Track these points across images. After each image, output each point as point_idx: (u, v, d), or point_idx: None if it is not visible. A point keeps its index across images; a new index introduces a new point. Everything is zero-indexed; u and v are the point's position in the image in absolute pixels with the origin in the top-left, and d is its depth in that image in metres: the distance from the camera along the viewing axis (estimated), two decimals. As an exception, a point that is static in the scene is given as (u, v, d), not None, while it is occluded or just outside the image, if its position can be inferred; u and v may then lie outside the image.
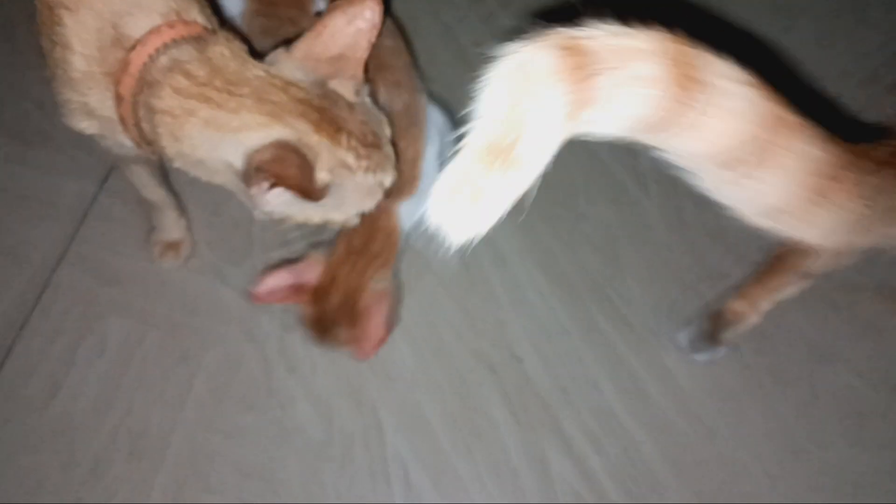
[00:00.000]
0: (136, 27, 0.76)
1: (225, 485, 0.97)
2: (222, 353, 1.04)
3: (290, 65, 0.77)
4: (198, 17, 0.79)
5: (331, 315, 0.94)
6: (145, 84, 0.75)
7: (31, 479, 0.97)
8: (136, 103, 0.76)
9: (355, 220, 0.83)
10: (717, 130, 0.49)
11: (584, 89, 0.46)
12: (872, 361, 1.04)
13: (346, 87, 0.78)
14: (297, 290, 0.95)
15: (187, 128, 0.74)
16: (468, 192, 0.46)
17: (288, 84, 0.75)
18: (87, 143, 0.86)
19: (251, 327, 1.06)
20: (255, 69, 0.75)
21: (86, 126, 0.83)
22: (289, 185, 0.71)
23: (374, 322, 0.94)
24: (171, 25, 0.76)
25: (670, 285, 1.07)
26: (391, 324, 0.97)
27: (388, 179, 0.81)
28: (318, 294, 0.94)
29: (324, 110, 0.75)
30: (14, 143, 1.17)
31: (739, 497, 0.98)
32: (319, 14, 0.87)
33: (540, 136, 0.46)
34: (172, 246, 1.10)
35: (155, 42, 0.75)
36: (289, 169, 0.71)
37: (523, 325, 1.06)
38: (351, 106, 0.77)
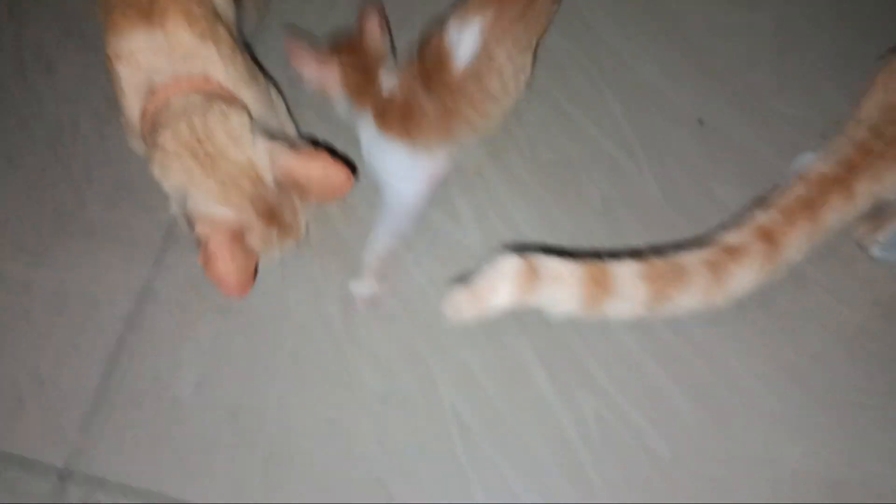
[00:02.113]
0: (160, 78, 0.96)
1: (310, 438, 1.15)
2: (299, 335, 1.21)
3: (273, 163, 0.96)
4: (222, 77, 0.96)
5: None
6: (157, 121, 0.94)
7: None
8: (147, 134, 0.95)
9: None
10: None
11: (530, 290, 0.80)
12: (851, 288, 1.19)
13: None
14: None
15: (171, 165, 0.92)
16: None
17: (258, 179, 0.93)
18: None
19: (319, 311, 1.22)
20: (241, 153, 0.94)
21: (135, 146, 1.03)
22: (210, 271, 0.93)
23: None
24: (189, 80, 0.94)
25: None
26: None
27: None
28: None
29: (271, 206, 0.95)
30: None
31: (747, 414, 1.13)
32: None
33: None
34: None
35: (172, 90, 0.94)
36: (216, 257, 0.92)
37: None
38: (294, 211, 0.98)
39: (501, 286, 0.82)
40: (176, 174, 0.94)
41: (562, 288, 0.82)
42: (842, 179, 0.88)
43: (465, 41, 1.09)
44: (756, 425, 1.13)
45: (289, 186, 0.97)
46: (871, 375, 1.14)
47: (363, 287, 1.21)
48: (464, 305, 0.84)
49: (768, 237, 0.87)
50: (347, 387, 1.18)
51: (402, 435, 1.15)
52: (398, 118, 1.11)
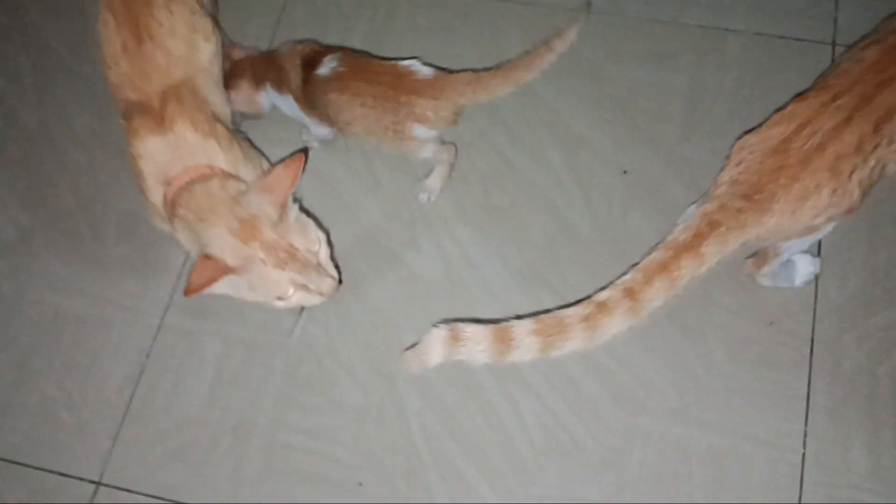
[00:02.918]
0: (174, 171, 1.20)
1: (299, 447, 1.38)
2: (287, 356, 1.45)
3: (252, 192, 1.18)
4: (223, 164, 1.22)
5: None
6: (175, 201, 1.17)
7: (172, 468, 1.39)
8: (168, 212, 1.19)
9: (277, 304, 1.21)
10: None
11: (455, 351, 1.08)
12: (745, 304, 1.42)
13: (272, 210, 1.16)
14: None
15: (186, 223, 1.17)
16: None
17: (262, 225, 1.16)
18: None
19: (306, 338, 1.45)
20: (230, 202, 1.17)
21: (157, 223, 1.26)
22: (190, 290, 1.13)
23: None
24: (196, 169, 1.20)
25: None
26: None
27: (304, 278, 1.19)
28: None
29: (245, 225, 1.14)
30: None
31: (655, 408, 1.36)
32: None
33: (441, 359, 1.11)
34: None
35: (184, 178, 1.18)
36: (195, 277, 1.13)
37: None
38: (272, 224, 1.16)
39: (434, 350, 1.07)
40: (185, 224, 1.18)
41: (476, 347, 1.09)
42: (692, 246, 1.10)
43: (323, 68, 1.40)
44: (661, 416, 1.36)
45: (267, 196, 1.17)
46: (748, 373, 1.37)
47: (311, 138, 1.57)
48: (411, 363, 1.11)
49: (631, 294, 1.09)
50: (331, 401, 1.41)
51: (377, 442, 1.38)
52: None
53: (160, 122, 1.21)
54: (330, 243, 1.29)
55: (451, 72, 1.41)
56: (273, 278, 1.16)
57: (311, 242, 1.20)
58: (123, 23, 1.24)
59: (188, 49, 1.27)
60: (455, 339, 1.10)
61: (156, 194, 1.23)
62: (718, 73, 1.60)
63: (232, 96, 1.48)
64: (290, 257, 1.15)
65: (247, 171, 1.27)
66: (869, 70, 1.12)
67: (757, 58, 1.60)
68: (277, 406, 1.41)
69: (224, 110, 1.32)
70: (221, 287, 1.15)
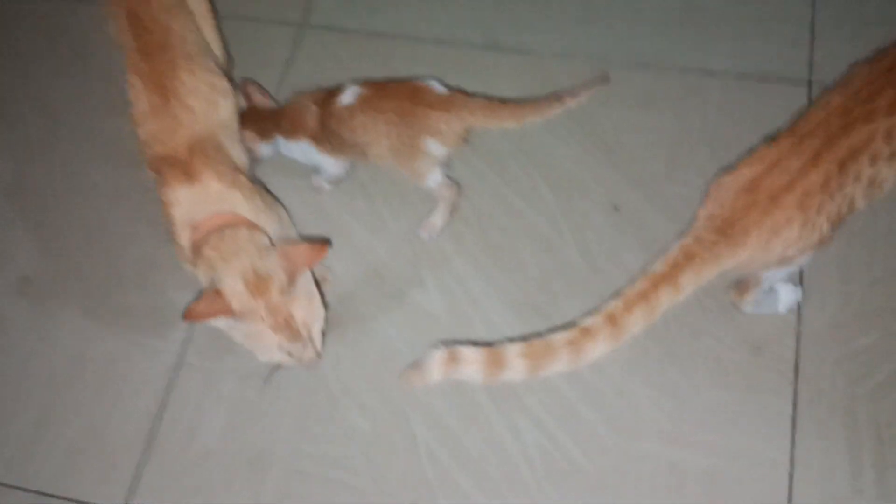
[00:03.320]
0: (200, 217, 1.29)
1: (314, 474, 1.45)
2: (299, 388, 1.52)
3: (274, 254, 1.27)
4: (246, 212, 1.32)
5: None
6: (201, 244, 1.26)
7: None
8: (194, 255, 1.29)
9: (259, 355, 1.29)
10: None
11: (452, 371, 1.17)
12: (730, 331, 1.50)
13: (285, 278, 1.25)
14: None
15: (209, 262, 1.26)
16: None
17: (269, 283, 1.24)
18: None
19: (322, 368, 1.53)
20: (254, 253, 1.26)
21: (186, 266, 1.36)
22: (190, 314, 1.22)
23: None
24: (222, 216, 1.30)
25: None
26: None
27: (298, 350, 1.28)
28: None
29: (259, 280, 1.23)
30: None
31: (644, 429, 1.43)
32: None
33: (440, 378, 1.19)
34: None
35: (210, 224, 1.28)
36: (199, 306, 1.23)
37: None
38: (281, 289, 1.24)
39: (433, 368, 1.15)
40: (207, 264, 1.27)
41: (471, 367, 1.17)
42: (670, 276, 1.18)
43: (346, 97, 1.52)
44: (654, 439, 1.42)
45: (286, 263, 1.26)
46: (733, 397, 1.44)
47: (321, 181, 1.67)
48: (412, 382, 1.20)
49: (613, 321, 1.17)
50: (343, 431, 1.48)
51: (387, 469, 1.44)
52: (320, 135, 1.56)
53: (188, 172, 1.31)
54: (325, 304, 1.36)
55: (465, 93, 1.53)
56: (265, 337, 1.25)
57: (311, 316, 1.29)
58: (150, 85, 1.34)
59: (209, 106, 1.37)
60: (452, 359, 1.18)
61: (183, 238, 1.32)
62: (700, 113, 1.69)
63: None
64: (286, 325, 1.25)
65: (267, 220, 1.37)
66: (834, 114, 1.20)
67: (736, 98, 1.70)
68: (292, 437, 1.48)
69: (243, 160, 1.42)
70: (218, 322, 1.25)
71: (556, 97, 1.54)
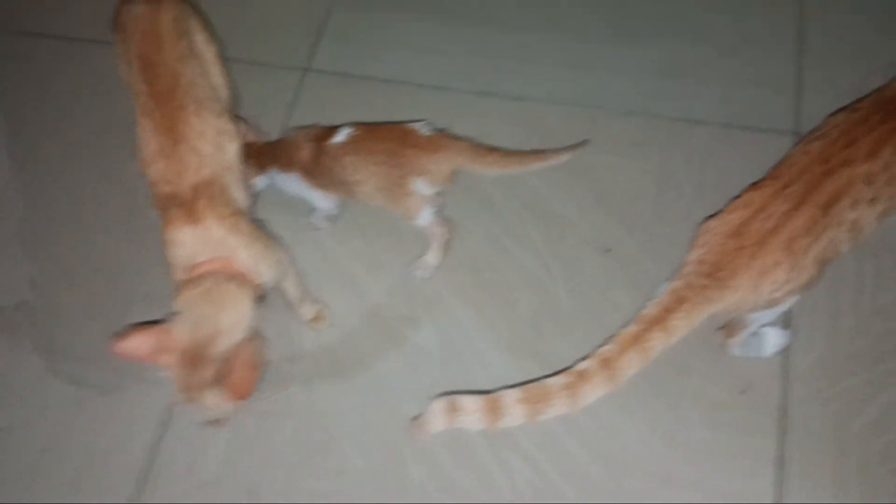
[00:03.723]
0: (199, 259, 1.32)
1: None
2: (296, 423, 1.53)
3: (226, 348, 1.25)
4: (245, 258, 1.34)
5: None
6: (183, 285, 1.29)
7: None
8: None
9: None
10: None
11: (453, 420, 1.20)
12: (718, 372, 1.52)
13: (211, 373, 1.23)
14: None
15: (185, 297, 1.28)
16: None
17: (215, 337, 1.25)
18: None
19: (316, 404, 1.54)
20: (224, 317, 1.27)
21: None
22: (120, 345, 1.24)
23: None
24: (219, 261, 1.32)
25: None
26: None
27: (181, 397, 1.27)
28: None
29: (200, 351, 1.23)
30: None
31: (633, 468, 1.44)
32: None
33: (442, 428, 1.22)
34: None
35: (206, 267, 1.31)
36: (140, 336, 1.25)
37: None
38: (204, 382, 1.23)
39: (435, 420, 1.18)
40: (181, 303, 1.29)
41: (472, 416, 1.19)
42: (662, 320, 1.20)
43: (340, 136, 1.56)
44: (644, 479, 1.43)
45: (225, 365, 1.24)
46: (721, 437, 1.45)
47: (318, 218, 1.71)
48: (416, 433, 1.22)
49: (608, 364, 1.19)
50: (338, 467, 1.48)
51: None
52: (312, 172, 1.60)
53: (191, 214, 1.33)
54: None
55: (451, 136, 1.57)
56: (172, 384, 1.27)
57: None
58: (160, 127, 1.37)
59: (216, 149, 1.40)
60: (453, 409, 1.19)
61: (181, 276, 1.34)
62: (687, 160, 1.74)
63: None
64: (187, 394, 1.26)
65: (266, 266, 1.38)
66: (815, 160, 1.24)
67: (723, 146, 1.74)
68: (289, 471, 1.49)
69: (245, 202, 1.45)
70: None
71: (539, 154, 1.61)
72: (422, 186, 1.53)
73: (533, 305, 1.61)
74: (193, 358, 1.23)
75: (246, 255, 1.35)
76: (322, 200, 1.66)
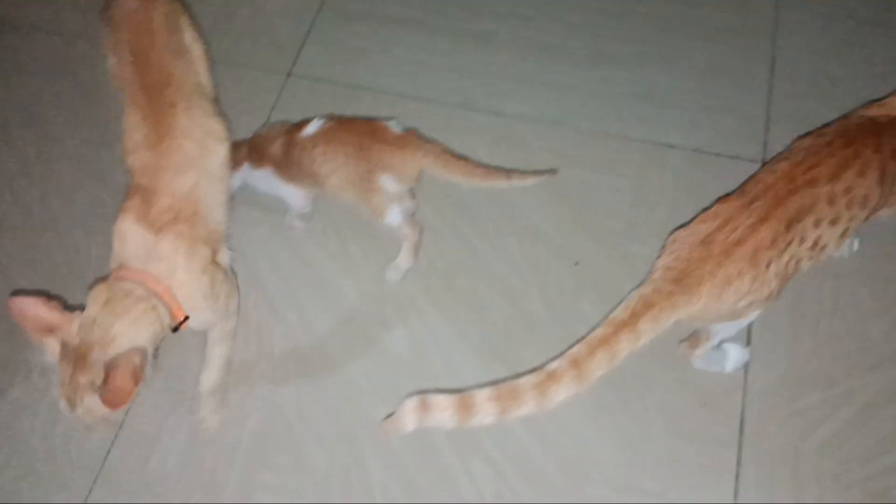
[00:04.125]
0: (132, 264, 1.28)
1: (268, 501, 1.44)
2: (260, 418, 1.52)
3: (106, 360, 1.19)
4: (179, 285, 1.28)
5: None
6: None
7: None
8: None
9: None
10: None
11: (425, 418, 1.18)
12: (681, 384, 1.54)
13: (91, 381, 1.18)
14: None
15: (93, 294, 1.25)
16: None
17: (103, 343, 1.20)
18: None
19: (277, 401, 1.53)
20: (119, 328, 1.21)
21: None
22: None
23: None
24: (146, 275, 1.27)
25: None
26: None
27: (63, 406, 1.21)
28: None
29: (84, 352, 1.18)
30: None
31: (593, 472, 1.46)
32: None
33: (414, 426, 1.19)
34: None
35: (131, 274, 1.26)
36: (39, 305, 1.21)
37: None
38: (81, 385, 1.18)
39: (408, 418, 1.18)
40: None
41: (444, 414, 1.19)
42: (629, 323, 1.22)
43: (310, 127, 1.59)
44: (604, 486, 1.45)
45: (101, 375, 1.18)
46: (680, 447, 1.48)
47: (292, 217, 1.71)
48: (388, 431, 1.21)
49: (577, 365, 1.21)
50: (299, 464, 1.48)
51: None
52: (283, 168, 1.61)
53: (152, 219, 1.28)
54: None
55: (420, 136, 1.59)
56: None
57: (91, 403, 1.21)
58: (147, 119, 1.35)
59: (200, 151, 1.37)
60: (425, 407, 1.19)
61: (112, 268, 1.30)
62: (658, 181, 1.77)
63: None
64: (69, 387, 1.20)
65: (203, 305, 1.33)
66: (781, 179, 1.28)
67: (693, 169, 1.79)
68: (248, 465, 1.48)
69: (220, 223, 1.40)
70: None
71: (505, 172, 1.65)
72: (388, 183, 1.55)
73: (503, 311, 1.63)
74: (76, 356, 1.18)
75: (183, 284, 1.29)
76: (294, 197, 1.66)
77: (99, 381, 1.17)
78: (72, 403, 1.20)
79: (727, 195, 1.31)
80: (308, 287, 1.65)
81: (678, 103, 1.89)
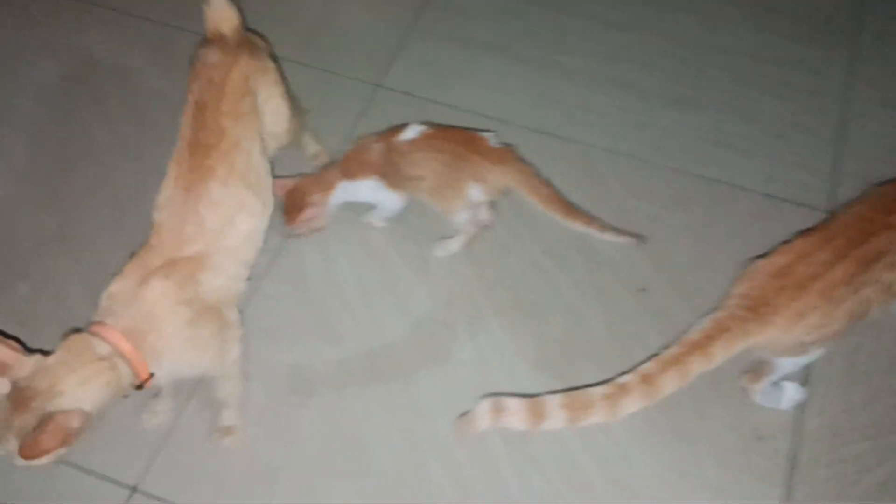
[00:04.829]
0: (112, 319, 1.25)
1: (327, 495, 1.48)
2: (325, 416, 1.56)
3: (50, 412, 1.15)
4: (154, 360, 1.26)
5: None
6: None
7: None
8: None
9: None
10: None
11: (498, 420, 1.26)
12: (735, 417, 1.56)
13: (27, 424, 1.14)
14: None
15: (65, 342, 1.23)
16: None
17: (45, 392, 1.16)
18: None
19: (346, 401, 1.58)
20: (63, 377, 1.18)
21: None
22: None
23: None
24: (112, 332, 1.23)
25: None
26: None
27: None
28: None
29: (27, 393, 1.14)
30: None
31: (637, 487, 1.47)
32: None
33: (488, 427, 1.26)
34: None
35: (99, 329, 1.24)
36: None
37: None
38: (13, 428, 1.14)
39: (482, 418, 1.23)
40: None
41: (516, 417, 1.24)
42: (703, 345, 1.26)
43: (410, 132, 1.63)
44: (642, 499, 1.47)
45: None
46: (729, 479, 1.49)
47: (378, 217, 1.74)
48: (463, 430, 1.27)
49: (648, 381, 1.24)
50: (360, 463, 1.51)
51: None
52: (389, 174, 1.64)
53: (143, 278, 1.26)
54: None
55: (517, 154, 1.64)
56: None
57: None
58: (180, 180, 1.32)
59: (223, 224, 1.33)
60: (499, 409, 1.24)
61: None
62: (727, 220, 1.81)
63: (303, 218, 1.64)
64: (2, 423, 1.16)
65: (195, 357, 1.33)
66: (859, 220, 1.32)
67: (761, 212, 1.82)
68: (309, 463, 1.53)
69: (231, 292, 1.38)
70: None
71: (588, 218, 1.65)
72: (475, 192, 1.60)
73: (565, 329, 1.66)
74: (19, 398, 1.15)
75: (171, 336, 1.27)
76: (395, 201, 1.70)
77: (29, 429, 1.13)
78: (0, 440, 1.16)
79: (808, 230, 1.35)
80: (378, 285, 1.70)
81: (751, 152, 1.93)
